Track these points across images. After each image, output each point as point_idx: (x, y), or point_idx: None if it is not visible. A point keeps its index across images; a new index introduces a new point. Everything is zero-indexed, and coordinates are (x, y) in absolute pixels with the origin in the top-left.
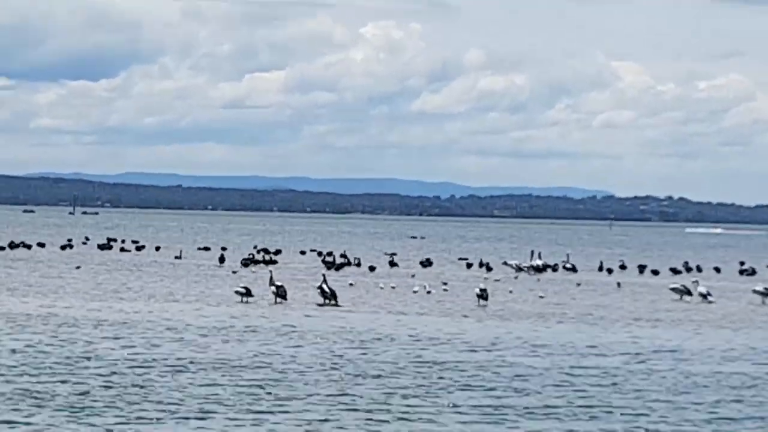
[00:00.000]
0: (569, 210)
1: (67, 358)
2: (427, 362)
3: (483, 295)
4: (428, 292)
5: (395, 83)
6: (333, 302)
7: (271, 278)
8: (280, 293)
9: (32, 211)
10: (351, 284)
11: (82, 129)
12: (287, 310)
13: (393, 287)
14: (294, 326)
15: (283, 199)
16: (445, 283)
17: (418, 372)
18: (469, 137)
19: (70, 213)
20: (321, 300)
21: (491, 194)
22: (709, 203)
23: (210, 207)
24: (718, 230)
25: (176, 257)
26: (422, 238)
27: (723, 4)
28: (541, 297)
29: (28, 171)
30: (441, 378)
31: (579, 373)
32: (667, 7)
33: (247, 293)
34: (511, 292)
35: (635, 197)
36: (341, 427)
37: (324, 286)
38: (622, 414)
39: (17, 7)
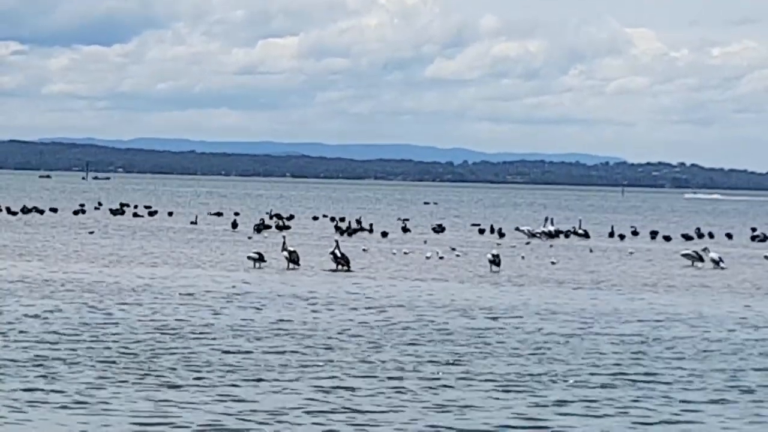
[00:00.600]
0: (582, 176)
1: (87, 324)
2: (442, 329)
3: (495, 261)
4: (440, 258)
5: (409, 49)
6: (346, 268)
7: (284, 243)
8: (293, 258)
9: (49, 177)
10: (364, 250)
11: (95, 94)
12: (300, 275)
13: (406, 253)
14: (308, 292)
15: (297, 165)
16: (453, 249)
17: (433, 339)
18: (482, 103)
19: (83, 178)
20: (334, 266)
21: (504, 160)
22: (721, 169)
23: (223, 172)
24: (715, 196)
25: (192, 222)
26: (435, 204)
27: None
28: (554, 263)
29: (41, 136)
30: (458, 344)
31: (596, 340)
32: None
33: (260, 258)
34: (523, 258)
35: (648, 163)
36: (364, 395)
37: (337, 252)
38: (644, 381)
39: None
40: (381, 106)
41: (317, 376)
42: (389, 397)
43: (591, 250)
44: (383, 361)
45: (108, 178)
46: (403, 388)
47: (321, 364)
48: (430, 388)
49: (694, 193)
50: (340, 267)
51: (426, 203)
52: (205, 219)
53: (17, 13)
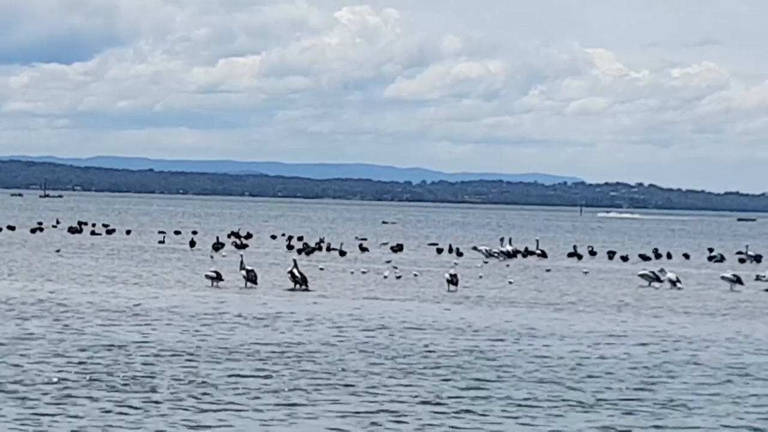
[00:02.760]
0: (540, 196)
1: (65, 342)
2: (398, 347)
3: (453, 280)
4: (398, 277)
5: (370, 69)
6: (304, 287)
7: (241, 262)
8: (251, 277)
9: (21, 195)
10: (321, 269)
11: (54, 113)
12: (258, 294)
13: (363, 272)
14: (265, 312)
15: (255, 184)
16: (397, 271)
17: (390, 357)
18: (442, 123)
19: (41, 196)
20: (292, 285)
21: (462, 180)
22: (679, 190)
23: (181, 191)
24: (628, 215)
25: (159, 242)
26: (393, 223)
27: None
28: (511, 283)
29: None
30: (412, 362)
31: (548, 359)
32: None
33: (218, 277)
34: (481, 277)
35: (606, 184)
36: (321, 412)
37: (295, 271)
38: (591, 401)
39: None
40: (340, 125)
41: (275, 395)
42: (343, 416)
43: (548, 270)
44: (341, 381)
45: (60, 196)
46: (367, 406)
47: (280, 383)
48: (383, 402)
49: (607, 212)
50: (298, 286)
51: (384, 222)
52: (162, 237)
53: None
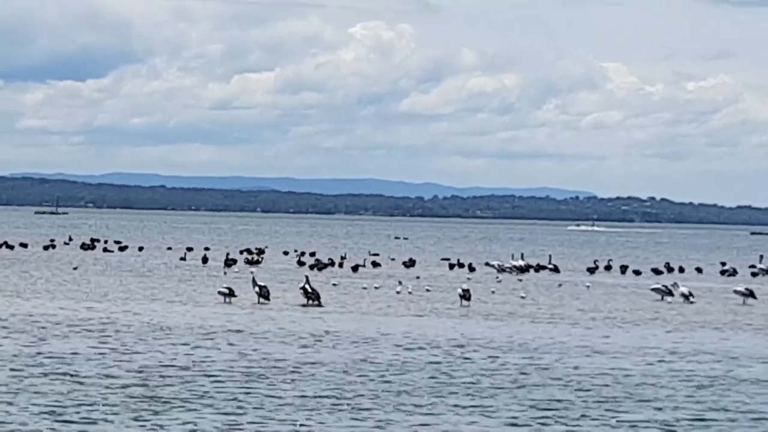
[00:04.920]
0: (551, 210)
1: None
2: (412, 363)
3: (465, 295)
4: (409, 293)
5: (385, 84)
6: (316, 303)
7: (254, 279)
8: (263, 293)
9: (57, 212)
10: (334, 284)
11: (68, 129)
12: (271, 310)
13: (376, 287)
14: (277, 328)
15: (266, 200)
16: (408, 287)
17: (406, 373)
18: (456, 138)
19: (52, 213)
20: (304, 300)
21: (474, 195)
22: (690, 204)
23: (193, 207)
24: (597, 228)
25: (181, 258)
26: (405, 239)
27: (711, 7)
28: (523, 297)
29: (12, 171)
30: (423, 377)
31: (551, 371)
32: (655, 8)
33: (230, 293)
34: (493, 292)
35: (618, 198)
36: (332, 428)
37: (307, 287)
38: (605, 411)
39: (5, 7)
40: (354, 140)
41: (286, 411)
42: (339, 428)
43: (560, 285)
44: (353, 396)
45: (66, 213)
46: (384, 422)
47: (290, 399)
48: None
49: (578, 225)
50: (310, 302)
51: (396, 238)
52: (176, 254)
53: None
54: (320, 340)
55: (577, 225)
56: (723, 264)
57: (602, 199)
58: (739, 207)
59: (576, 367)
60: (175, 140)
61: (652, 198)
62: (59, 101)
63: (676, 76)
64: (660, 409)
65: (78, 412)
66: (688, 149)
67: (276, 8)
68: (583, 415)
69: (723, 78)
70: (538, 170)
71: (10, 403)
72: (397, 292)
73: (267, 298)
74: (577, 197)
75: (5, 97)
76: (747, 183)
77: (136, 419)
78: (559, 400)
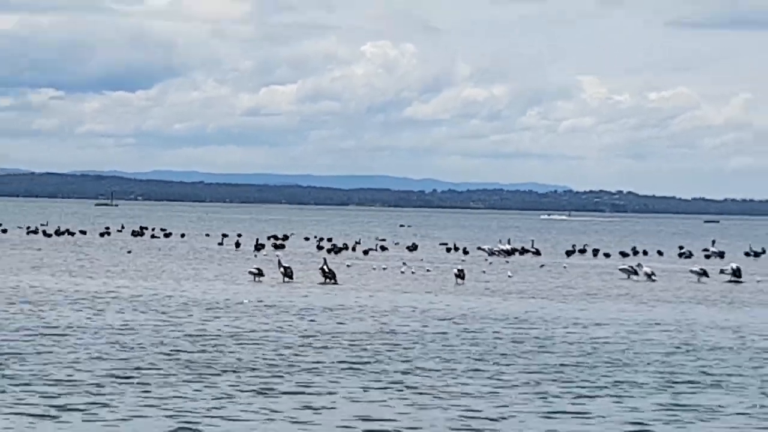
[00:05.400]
0: (534, 202)
1: (161, 333)
2: (408, 332)
3: (460, 275)
4: (412, 273)
5: (390, 94)
6: (333, 281)
7: (279, 261)
8: (288, 273)
9: (113, 204)
10: (348, 266)
11: (120, 133)
12: (294, 288)
13: (384, 268)
14: (301, 302)
15: (290, 194)
16: (411, 267)
17: (416, 341)
18: (452, 141)
19: (107, 205)
20: (322, 279)
21: (468, 189)
22: (653, 196)
23: (227, 200)
24: (564, 217)
25: (219, 243)
26: (409, 226)
27: (671, 29)
28: (510, 277)
29: (73, 169)
30: (426, 345)
31: (545, 341)
32: (625, 29)
33: (260, 273)
34: (484, 272)
35: (590, 191)
36: (353, 391)
37: (325, 267)
38: (587, 374)
39: (67, 30)
40: (364, 143)
41: (317, 374)
42: (367, 391)
43: (542, 266)
44: (373, 361)
45: (116, 205)
46: (396, 384)
47: (319, 364)
48: (417, 389)
49: (549, 215)
50: (328, 280)
51: (401, 226)
52: (214, 240)
53: (55, 64)
54: (339, 313)
55: (549, 215)
56: (680, 248)
57: (577, 193)
58: (694, 199)
59: (561, 336)
60: (211, 142)
61: (620, 191)
62: (113, 109)
63: (641, 88)
64: (636, 372)
65: (137, 376)
66: (650, 150)
67: (298, 30)
68: (572, 378)
69: (681, 89)
70: (523, 168)
71: (77, 368)
72: (402, 272)
73: (291, 277)
74: (556, 191)
75: (67, 106)
76: (701, 179)
77: (186, 381)
78: (550, 365)
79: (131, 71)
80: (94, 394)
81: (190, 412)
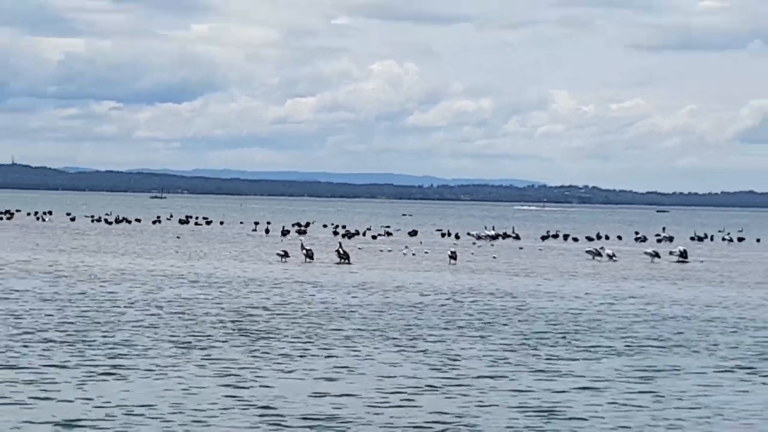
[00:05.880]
0: (515, 195)
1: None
2: (411, 304)
3: (453, 256)
4: (413, 254)
5: (395, 106)
6: (347, 261)
7: (302, 244)
8: (309, 255)
9: (162, 197)
10: (359, 248)
11: (169, 138)
12: (314, 267)
13: (389, 251)
14: (321, 279)
15: (311, 188)
16: (412, 250)
17: (421, 311)
18: (446, 144)
19: (158, 197)
20: (338, 260)
21: (459, 184)
22: (614, 190)
23: (258, 194)
24: (533, 207)
25: (253, 230)
26: (410, 215)
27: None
28: (495, 258)
29: (130, 168)
30: (430, 314)
31: (524, 311)
32: (591, 51)
33: (286, 255)
34: (473, 254)
35: (561, 186)
36: (367, 352)
37: (340, 250)
38: (559, 336)
39: (124, 49)
40: (373, 146)
41: (342, 340)
42: (383, 353)
43: (521, 248)
44: (387, 328)
45: (164, 197)
46: (391, 346)
47: (326, 326)
48: (424, 349)
49: (521, 205)
50: (342, 261)
51: (404, 215)
52: (247, 227)
53: (115, 80)
54: (354, 288)
55: (521, 206)
56: (636, 233)
57: (551, 187)
58: (648, 192)
59: (541, 307)
60: (245, 146)
61: (586, 186)
62: (163, 118)
63: (604, 100)
64: (609, 338)
65: (196, 342)
66: (611, 152)
67: (318, 52)
68: (556, 342)
69: (637, 101)
70: (505, 167)
71: (141, 335)
72: (404, 254)
73: (311, 258)
74: (533, 186)
75: (124, 115)
76: (654, 175)
77: (235, 346)
78: (536, 332)
79: (178, 86)
80: (155, 357)
81: (238, 373)
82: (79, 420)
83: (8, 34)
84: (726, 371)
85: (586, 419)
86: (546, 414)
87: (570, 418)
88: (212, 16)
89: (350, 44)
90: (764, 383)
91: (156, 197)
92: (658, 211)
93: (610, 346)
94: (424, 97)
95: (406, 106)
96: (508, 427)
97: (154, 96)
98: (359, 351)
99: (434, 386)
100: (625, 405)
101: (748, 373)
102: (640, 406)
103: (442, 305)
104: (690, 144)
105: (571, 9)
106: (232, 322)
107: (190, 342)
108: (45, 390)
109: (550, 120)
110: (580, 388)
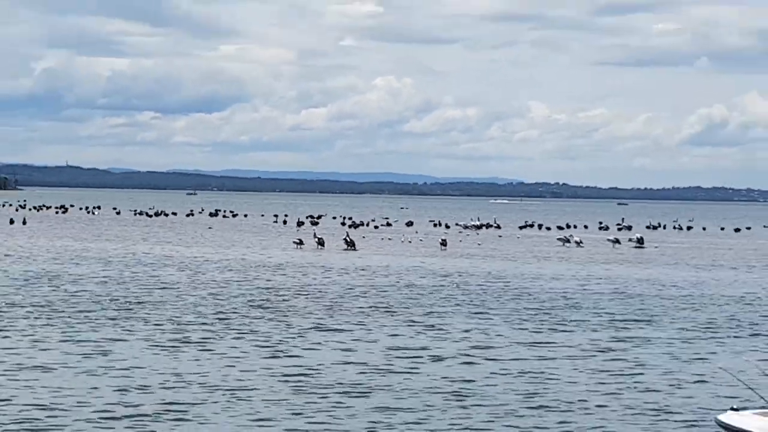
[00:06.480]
0: (496, 191)
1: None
2: (411, 285)
3: (444, 243)
4: (409, 242)
5: (394, 114)
6: (353, 248)
7: (314, 233)
8: (320, 242)
9: (195, 194)
10: (364, 237)
11: (201, 143)
12: (325, 253)
13: (389, 239)
14: (331, 263)
15: (323, 186)
16: (409, 237)
17: (422, 290)
18: (438, 147)
19: (189, 194)
20: (345, 247)
21: (449, 182)
22: (581, 186)
23: (277, 190)
24: (505, 201)
25: (274, 222)
26: (407, 208)
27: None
28: (479, 244)
29: (166, 168)
30: (425, 293)
31: (510, 290)
32: (562, 68)
33: (300, 243)
34: (461, 241)
35: (536, 183)
36: (375, 323)
37: (347, 238)
38: (532, 308)
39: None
40: (376, 149)
41: (357, 315)
42: (390, 326)
43: (500, 236)
44: (394, 305)
45: (195, 194)
46: (395, 320)
47: (341, 303)
48: (416, 321)
49: (495, 199)
50: (349, 248)
51: (402, 208)
52: (267, 218)
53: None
54: (360, 271)
55: (495, 200)
56: (600, 223)
57: (527, 184)
58: (610, 188)
59: (524, 287)
60: (266, 149)
61: (557, 183)
62: (196, 125)
63: (572, 109)
64: (584, 313)
65: (233, 319)
66: (579, 153)
67: (328, 69)
68: (544, 318)
69: (601, 110)
70: (488, 167)
71: (186, 313)
72: (402, 242)
73: (323, 245)
74: (512, 183)
75: (163, 124)
76: (615, 173)
77: (266, 321)
78: (525, 308)
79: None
80: (199, 332)
81: (272, 345)
82: (139, 387)
83: (64, 55)
84: (686, 342)
85: (573, 383)
86: (537, 379)
87: (558, 382)
88: (238, 38)
89: (356, 62)
90: (720, 350)
91: (190, 194)
92: (618, 204)
93: (586, 320)
94: (419, 107)
95: (404, 115)
96: (506, 391)
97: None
98: (371, 325)
99: (439, 356)
100: (604, 371)
101: (707, 342)
102: (618, 372)
103: (438, 285)
104: (646, 147)
105: (545, 32)
106: (262, 300)
107: (228, 318)
108: (108, 361)
109: (527, 126)
110: (565, 357)
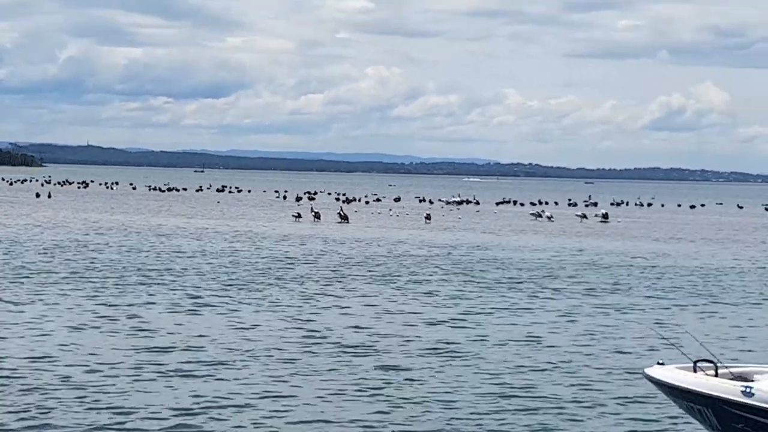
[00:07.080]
0: (475, 170)
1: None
2: (401, 255)
3: (428, 217)
4: (397, 216)
5: (384, 100)
6: (346, 221)
7: (311, 207)
8: (317, 216)
9: (202, 171)
10: (356, 211)
11: (209, 125)
12: (321, 226)
13: (379, 213)
14: (327, 235)
15: (319, 165)
16: (397, 212)
17: (413, 260)
18: (423, 130)
19: (197, 171)
20: (339, 220)
21: (433, 162)
22: (552, 166)
23: (278, 169)
24: (477, 179)
25: (276, 197)
26: (395, 186)
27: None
28: (460, 218)
29: (177, 148)
30: (413, 263)
31: (494, 261)
32: (535, 59)
33: (298, 216)
34: (443, 216)
35: (511, 163)
36: (365, 290)
37: (341, 212)
38: (511, 277)
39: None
40: (367, 131)
41: (357, 283)
42: (388, 293)
43: (478, 212)
44: (389, 274)
45: (203, 171)
46: (392, 287)
47: (341, 272)
48: (404, 288)
49: (469, 178)
50: (343, 221)
51: (390, 185)
52: (269, 194)
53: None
54: (354, 242)
55: (469, 178)
56: (569, 199)
57: (503, 164)
58: (578, 168)
59: (505, 258)
60: (268, 131)
61: (531, 163)
62: (204, 109)
63: (544, 96)
64: (563, 280)
65: (245, 285)
66: (550, 136)
67: (325, 59)
68: (524, 285)
69: (571, 98)
70: (468, 148)
71: (201, 278)
72: (391, 215)
73: (319, 218)
74: (489, 163)
75: (175, 108)
76: (582, 155)
77: (276, 287)
78: (507, 277)
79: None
80: (218, 296)
81: (284, 310)
82: (166, 348)
83: (85, 44)
84: (660, 308)
85: (560, 346)
86: (531, 341)
87: (550, 346)
88: (243, 31)
89: (350, 53)
90: (684, 313)
91: (197, 171)
92: (585, 183)
93: (565, 287)
94: (407, 94)
95: (392, 101)
96: (493, 352)
97: (198, 92)
98: (371, 292)
99: (437, 319)
100: (589, 334)
101: (676, 306)
102: (601, 335)
103: (426, 256)
104: (610, 131)
105: (519, 27)
106: (269, 268)
107: (241, 285)
108: (137, 324)
109: (503, 112)
110: (551, 321)
